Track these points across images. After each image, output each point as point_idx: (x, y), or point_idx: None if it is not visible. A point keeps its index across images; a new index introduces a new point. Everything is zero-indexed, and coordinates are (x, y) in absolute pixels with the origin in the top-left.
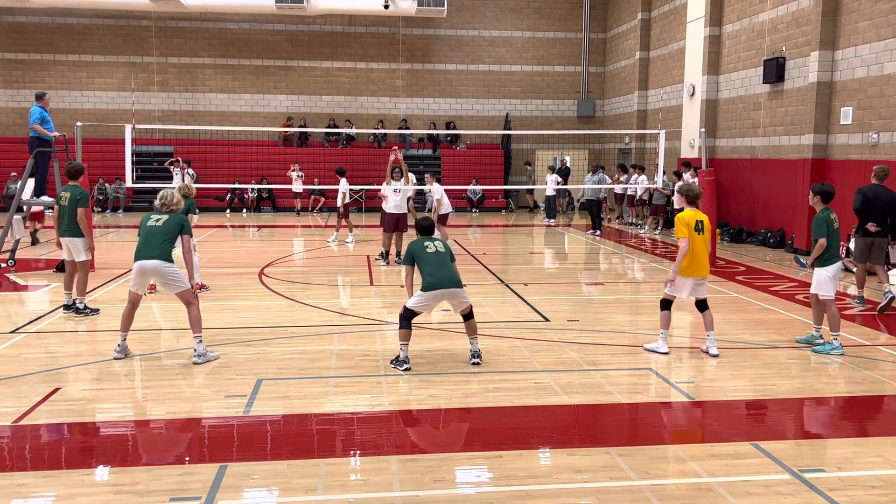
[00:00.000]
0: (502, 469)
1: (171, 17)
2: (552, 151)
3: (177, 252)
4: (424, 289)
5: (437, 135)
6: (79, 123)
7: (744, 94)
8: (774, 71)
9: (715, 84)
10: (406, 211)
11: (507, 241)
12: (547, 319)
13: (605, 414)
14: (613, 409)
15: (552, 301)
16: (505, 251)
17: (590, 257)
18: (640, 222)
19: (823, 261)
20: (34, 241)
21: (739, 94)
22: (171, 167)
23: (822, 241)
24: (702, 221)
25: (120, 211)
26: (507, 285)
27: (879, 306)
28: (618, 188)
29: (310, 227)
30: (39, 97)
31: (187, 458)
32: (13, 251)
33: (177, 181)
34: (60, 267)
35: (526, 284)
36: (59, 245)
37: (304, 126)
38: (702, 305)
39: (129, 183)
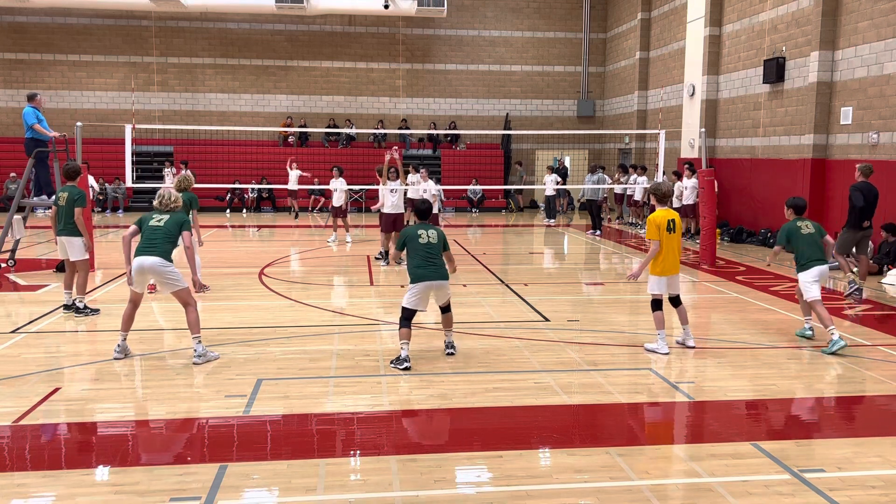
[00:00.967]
0: (502, 469)
1: (171, 17)
2: (552, 151)
3: (178, 250)
4: (413, 280)
5: (437, 135)
6: (79, 123)
7: (744, 94)
8: (774, 71)
9: (715, 84)
10: (403, 211)
11: (507, 241)
12: (547, 319)
13: (605, 414)
14: (613, 409)
15: (552, 301)
16: (505, 251)
17: (590, 257)
18: (640, 222)
19: (801, 265)
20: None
21: (739, 94)
22: (170, 167)
23: (777, 249)
24: (673, 220)
25: (120, 211)
26: (507, 285)
27: (846, 292)
28: (617, 188)
29: (309, 227)
30: (31, 98)
31: (188, 458)
32: (13, 251)
33: (168, 182)
34: (60, 267)
35: (526, 284)
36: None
37: (304, 126)
38: (675, 301)
39: (128, 183)
